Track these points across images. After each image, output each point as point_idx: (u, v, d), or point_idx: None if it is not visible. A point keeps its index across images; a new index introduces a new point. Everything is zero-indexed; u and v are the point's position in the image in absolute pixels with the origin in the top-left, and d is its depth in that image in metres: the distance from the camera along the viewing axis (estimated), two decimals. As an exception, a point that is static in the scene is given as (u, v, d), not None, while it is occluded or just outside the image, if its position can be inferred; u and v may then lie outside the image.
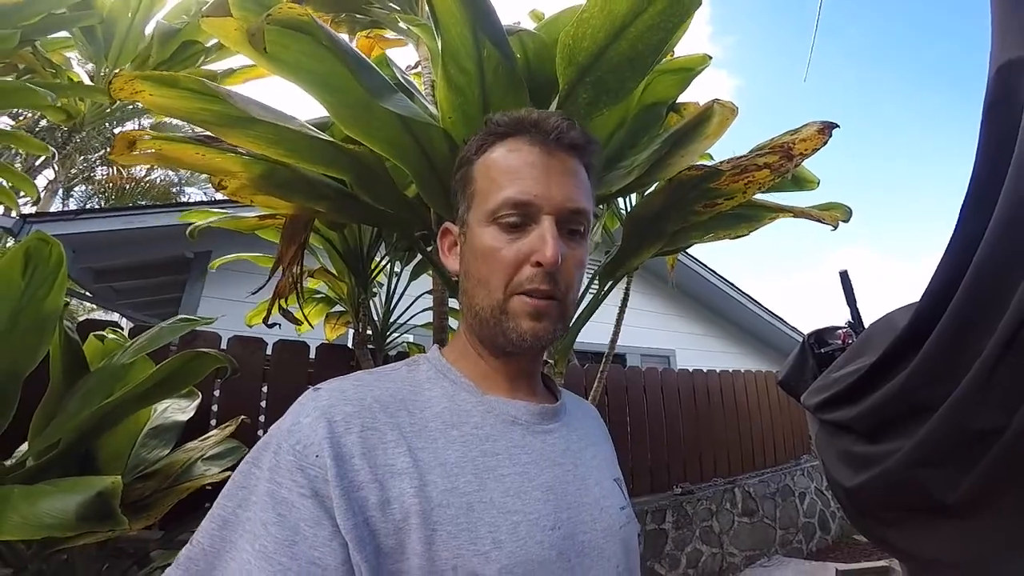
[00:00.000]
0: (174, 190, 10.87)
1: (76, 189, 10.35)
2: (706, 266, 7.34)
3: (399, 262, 2.00)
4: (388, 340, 2.06)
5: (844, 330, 1.32)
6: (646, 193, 1.77)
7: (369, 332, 1.98)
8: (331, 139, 0.99)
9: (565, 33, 0.91)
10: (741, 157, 1.37)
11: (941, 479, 0.67)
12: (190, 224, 1.70)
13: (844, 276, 1.34)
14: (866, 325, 1.19)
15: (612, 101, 1.03)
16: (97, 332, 1.41)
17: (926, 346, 0.68)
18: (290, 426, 0.48)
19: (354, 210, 1.23)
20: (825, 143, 1.32)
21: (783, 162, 1.34)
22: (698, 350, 7.90)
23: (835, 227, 1.84)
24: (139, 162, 1.07)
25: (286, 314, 1.57)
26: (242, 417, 1.64)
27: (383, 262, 1.97)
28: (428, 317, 1.93)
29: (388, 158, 1.05)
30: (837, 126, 1.29)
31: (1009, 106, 0.61)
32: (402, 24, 1.45)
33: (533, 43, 1.05)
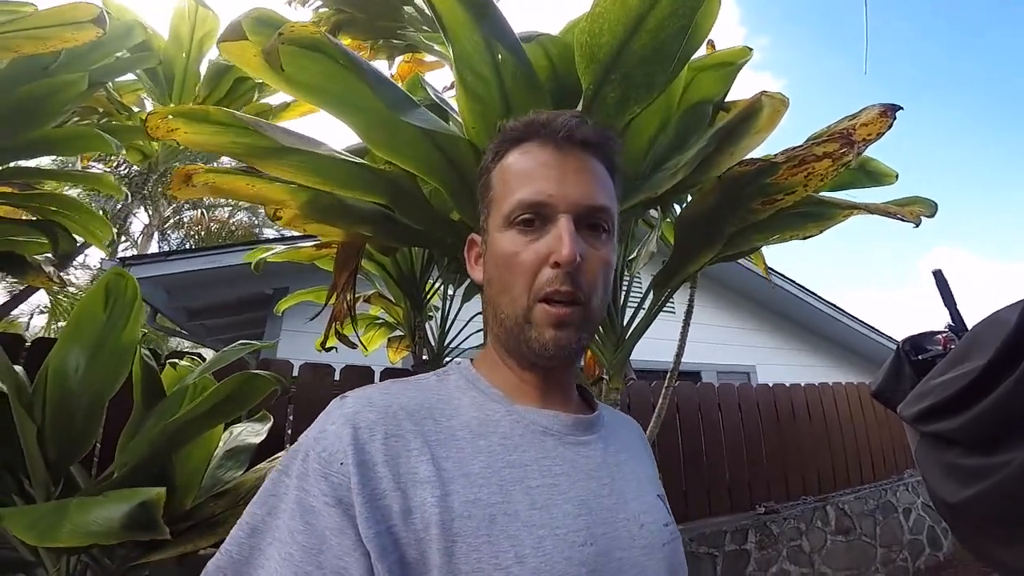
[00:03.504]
0: (255, 231, 11.73)
1: (172, 234, 11.37)
2: (785, 276, 6.95)
3: (452, 285, 2.03)
4: (445, 362, 2.08)
5: (944, 334, 1.20)
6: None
7: (426, 356, 2.01)
8: (363, 162, 1.02)
9: (580, 30, 0.89)
10: (796, 147, 1.28)
11: None
12: (268, 262, 1.81)
13: (939, 276, 1.22)
14: (969, 327, 1.09)
15: (643, 98, 1.00)
16: (171, 360, 1.52)
17: None
18: (317, 434, 0.48)
19: (396, 232, 1.26)
20: (889, 127, 1.21)
21: (844, 150, 1.24)
22: (781, 364, 7.43)
23: (917, 224, 1.67)
24: (196, 195, 1.15)
25: (343, 338, 1.62)
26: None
27: (437, 285, 2.01)
28: (481, 338, 1.93)
29: (422, 177, 1.07)
30: (900, 108, 1.18)
31: None
32: (427, 42, 1.48)
33: (556, 47, 1.04)
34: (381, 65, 2.05)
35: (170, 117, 0.97)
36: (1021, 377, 0.64)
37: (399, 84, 1.18)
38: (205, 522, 1.37)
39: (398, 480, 0.46)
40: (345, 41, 1.91)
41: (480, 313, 1.64)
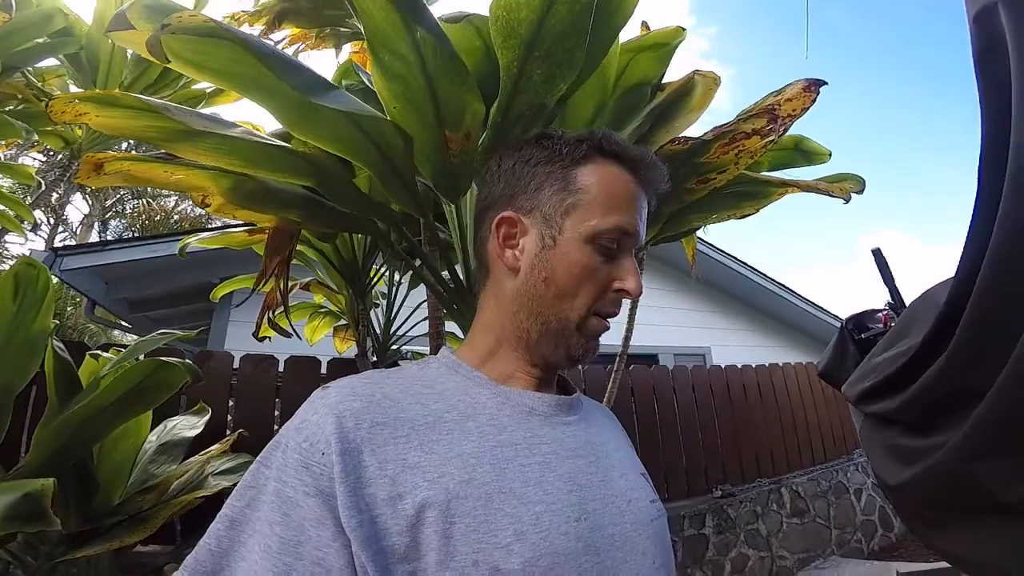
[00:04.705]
0: (202, 220, 11.30)
1: (112, 223, 10.88)
2: (736, 258, 7.09)
3: (398, 271, 1.99)
4: (391, 351, 2.05)
5: (885, 312, 1.23)
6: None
7: (371, 346, 1.97)
8: (281, 143, 0.98)
9: (496, 4, 0.86)
10: (724, 125, 1.30)
11: (1000, 474, 0.59)
12: (213, 249, 1.74)
13: (877, 254, 1.26)
14: (908, 304, 1.12)
15: (567, 75, 0.98)
16: (93, 352, 1.46)
17: (963, 320, 0.61)
18: (298, 424, 0.49)
19: (327, 218, 1.22)
20: (813, 101, 1.25)
21: (771, 126, 1.27)
22: (735, 346, 7.61)
23: (847, 200, 1.73)
24: (108, 184, 1.09)
25: (277, 328, 1.57)
26: (240, 431, 1.65)
27: (383, 270, 1.97)
28: (427, 327, 1.90)
29: (348, 159, 1.04)
30: (824, 83, 1.22)
31: (996, 54, 0.56)
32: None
33: (488, 27, 1.01)
34: (328, 54, 1.98)
35: (76, 102, 0.92)
36: (949, 357, 0.64)
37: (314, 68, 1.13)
38: (134, 517, 1.33)
39: (384, 467, 0.46)
40: (291, 30, 1.84)
41: (426, 300, 1.62)
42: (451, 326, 1.70)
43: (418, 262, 1.49)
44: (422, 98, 0.94)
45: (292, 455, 0.46)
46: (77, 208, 10.10)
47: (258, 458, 0.49)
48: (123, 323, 4.42)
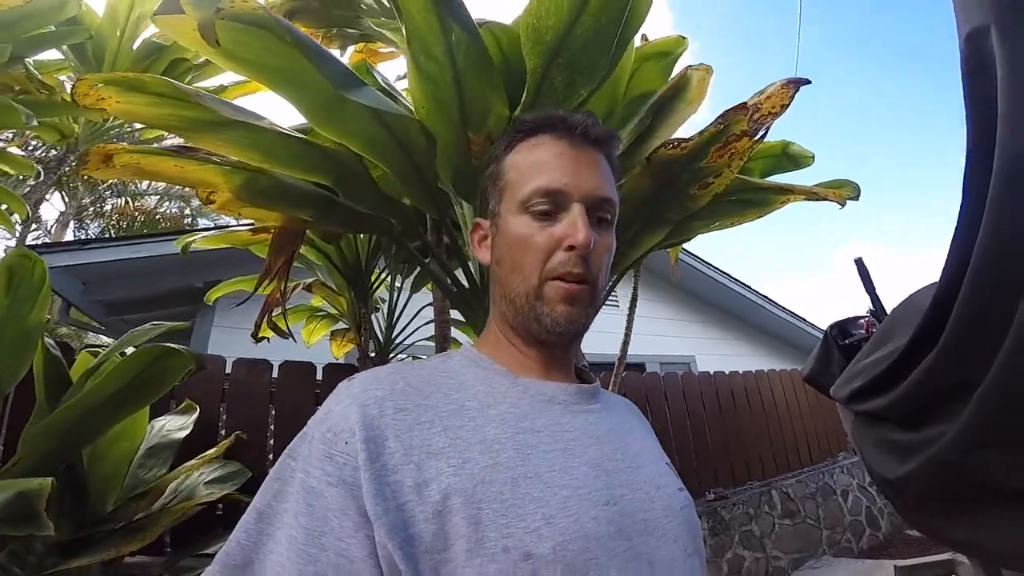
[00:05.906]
0: (186, 222, 11.01)
1: (91, 223, 10.54)
2: (719, 269, 7.25)
3: (399, 275, 1.96)
4: (392, 356, 2.02)
5: (867, 319, 1.28)
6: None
7: (372, 351, 1.93)
8: (305, 138, 0.96)
9: (527, 13, 0.88)
10: (708, 127, 1.31)
11: (1001, 460, 0.61)
12: (198, 251, 1.68)
13: (860, 263, 1.30)
14: (888, 311, 1.15)
15: (588, 82, 1.00)
16: (90, 348, 1.40)
17: (952, 317, 0.63)
18: (323, 415, 0.49)
19: (340, 216, 1.20)
20: (792, 97, 1.29)
21: (752, 125, 1.29)
22: (718, 354, 7.71)
23: (843, 205, 1.77)
24: (116, 176, 1.05)
25: (276, 329, 1.53)
26: (236, 433, 1.60)
27: (384, 275, 1.94)
28: (431, 330, 1.88)
29: (369, 158, 1.02)
30: (807, 82, 1.25)
31: (986, 74, 0.60)
32: (380, 30, 1.43)
33: (506, 35, 1.02)
34: (333, 54, 1.95)
35: (100, 85, 0.88)
36: (939, 354, 0.66)
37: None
38: (128, 526, 1.27)
39: (409, 453, 0.45)
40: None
41: (430, 304, 1.60)
42: (455, 331, 1.69)
43: (428, 260, 1.48)
44: (449, 96, 0.93)
45: (316, 445, 0.46)
46: (53, 205, 9.77)
47: (286, 451, 0.48)
48: (97, 325, 4.27)
